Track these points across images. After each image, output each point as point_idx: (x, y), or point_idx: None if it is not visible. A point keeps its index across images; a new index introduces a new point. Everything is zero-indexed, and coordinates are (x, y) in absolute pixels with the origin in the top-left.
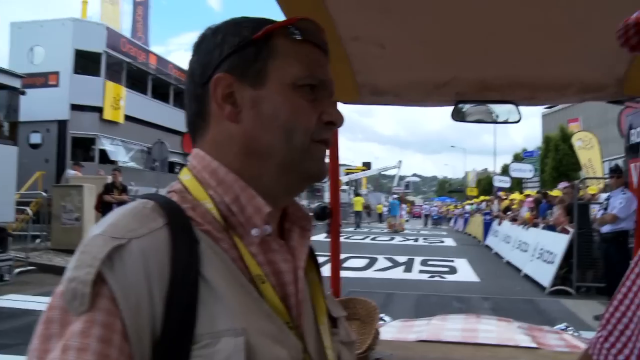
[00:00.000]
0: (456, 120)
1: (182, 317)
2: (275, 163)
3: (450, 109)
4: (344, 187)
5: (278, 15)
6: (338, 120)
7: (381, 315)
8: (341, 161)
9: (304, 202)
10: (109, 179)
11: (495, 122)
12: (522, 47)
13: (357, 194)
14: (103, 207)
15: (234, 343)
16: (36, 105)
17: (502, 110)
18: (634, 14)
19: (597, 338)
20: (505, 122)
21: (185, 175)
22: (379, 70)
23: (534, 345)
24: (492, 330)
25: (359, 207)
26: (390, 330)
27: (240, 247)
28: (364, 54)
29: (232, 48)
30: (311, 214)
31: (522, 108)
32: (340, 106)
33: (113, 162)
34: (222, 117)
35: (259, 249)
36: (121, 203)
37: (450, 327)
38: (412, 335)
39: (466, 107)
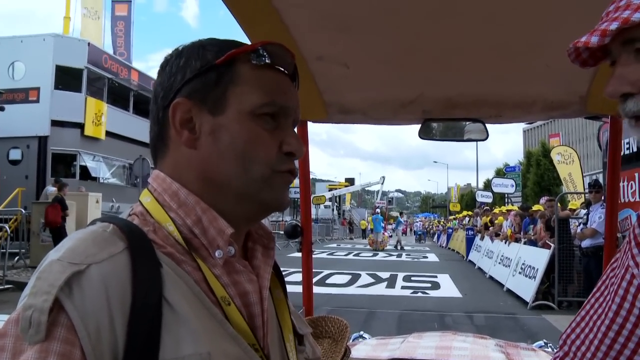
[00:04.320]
0: (423, 138)
1: (145, 342)
2: (233, 193)
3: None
4: (327, 203)
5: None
6: (297, 151)
7: (361, 333)
8: (324, 177)
9: (287, 218)
10: (51, 191)
11: (463, 139)
12: (486, 66)
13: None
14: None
15: None
16: (16, 121)
17: (470, 128)
18: (583, 37)
19: (554, 358)
20: (473, 139)
21: (145, 198)
22: (345, 89)
23: None
24: (466, 347)
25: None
26: (365, 348)
27: (203, 269)
28: (329, 73)
29: (194, 72)
30: (281, 232)
31: (500, 124)
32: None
33: (94, 179)
34: (180, 142)
35: (223, 270)
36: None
37: (425, 345)
38: (386, 353)
39: (434, 125)
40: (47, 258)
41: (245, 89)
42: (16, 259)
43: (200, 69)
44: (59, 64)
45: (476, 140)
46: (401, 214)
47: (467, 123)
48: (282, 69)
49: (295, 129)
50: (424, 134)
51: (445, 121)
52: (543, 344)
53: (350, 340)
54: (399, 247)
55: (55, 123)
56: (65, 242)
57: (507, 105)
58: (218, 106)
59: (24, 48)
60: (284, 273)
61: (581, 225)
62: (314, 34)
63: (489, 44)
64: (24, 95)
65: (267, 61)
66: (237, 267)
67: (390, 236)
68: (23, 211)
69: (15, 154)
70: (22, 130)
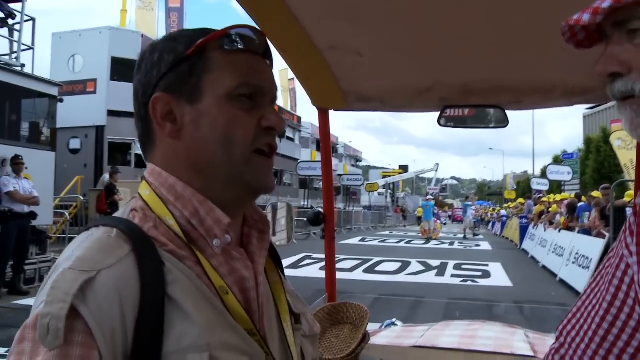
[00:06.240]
0: (443, 126)
1: (150, 337)
2: (219, 178)
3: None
4: (380, 190)
5: None
6: (277, 125)
7: (394, 320)
8: (378, 164)
9: (340, 205)
10: (107, 178)
11: (483, 127)
12: (504, 51)
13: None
14: (111, 208)
15: (199, 359)
16: (76, 112)
17: (490, 114)
18: (575, 15)
19: (550, 350)
20: (494, 127)
21: (145, 190)
22: (361, 77)
23: (530, 353)
24: (491, 337)
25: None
26: (390, 335)
27: (202, 261)
28: (343, 62)
29: (168, 66)
30: (305, 219)
31: (560, 108)
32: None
33: None
34: (165, 135)
35: (221, 259)
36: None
37: (450, 334)
38: (410, 340)
39: (453, 112)
40: (58, 267)
41: (219, 74)
42: None
43: (173, 62)
44: (114, 56)
45: (497, 128)
46: (467, 198)
47: (487, 110)
48: (253, 51)
49: (295, 110)
50: (443, 122)
51: (464, 108)
52: None
53: (383, 327)
54: (471, 236)
55: (111, 113)
56: (75, 251)
57: (525, 91)
58: (195, 95)
59: (82, 41)
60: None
61: None
62: (322, 24)
63: (508, 28)
64: (82, 87)
65: (236, 46)
66: (233, 255)
67: (445, 224)
68: (82, 198)
69: (74, 144)
70: (81, 120)
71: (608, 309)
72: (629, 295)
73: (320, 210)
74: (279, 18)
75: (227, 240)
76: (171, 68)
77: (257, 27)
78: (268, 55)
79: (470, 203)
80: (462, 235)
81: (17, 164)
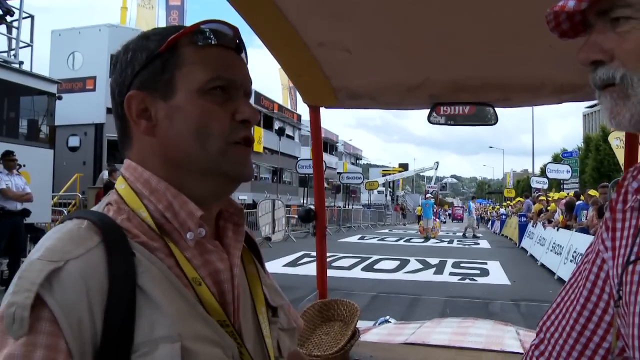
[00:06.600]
0: (432, 123)
1: (120, 327)
2: (195, 170)
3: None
4: (380, 188)
5: None
6: (251, 117)
7: (387, 317)
8: (378, 162)
9: (339, 203)
10: (106, 176)
11: (472, 124)
12: (493, 48)
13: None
14: None
15: (170, 349)
16: (75, 109)
17: (479, 112)
18: (560, 1)
19: (531, 345)
20: (483, 124)
21: (120, 184)
22: (350, 74)
23: (520, 350)
24: (482, 334)
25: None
26: (381, 332)
27: (175, 252)
28: (333, 59)
29: (141, 64)
30: (296, 216)
31: (560, 106)
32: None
33: None
34: (140, 132)
35: (195, 251)
36: None
37: (441, 331)
38: (401, 337)
39: (442, 110)
40: (28, 258)
41: (191, 69)
42: None
43: (146, 60)
44: (114, 53)
45: (486, 125)
46: (473, 198)
47: (477, 107)
48: (226, 45)
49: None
50: (433, 119)
51: (454, 105)
52: None
53: (377, 325)
54: (471, 235)
55: (110, 111)
56: (45, 242)
57: (514, 88)
58: (168, 91)
59: (81, 39)
60: (333, 257)
61: None
62: (310, 21)
63: (493, 26)
64: (81, 85)
65: (208, 41)
66: (208, 248)
67: (444, 222)
68: (80, 196)
69: (74, 141)
70: (80, 118)
71: (584, 304)
72: (604, 290)
73: (312, 207)
74: (267, 16)
75: (200, 233)
76: (144, 66)
77: (246, 22)
78: (241, 49)
79: (472, 204)
80: (461, 234)
81: (9, 160)
